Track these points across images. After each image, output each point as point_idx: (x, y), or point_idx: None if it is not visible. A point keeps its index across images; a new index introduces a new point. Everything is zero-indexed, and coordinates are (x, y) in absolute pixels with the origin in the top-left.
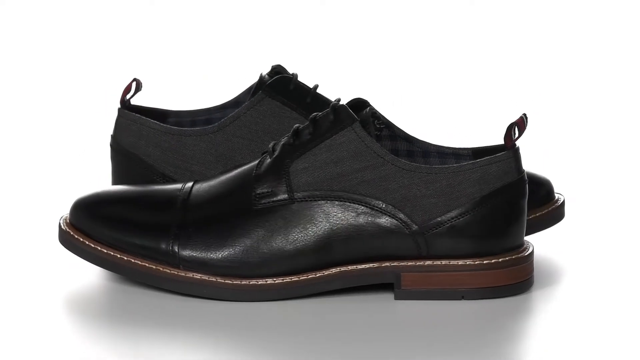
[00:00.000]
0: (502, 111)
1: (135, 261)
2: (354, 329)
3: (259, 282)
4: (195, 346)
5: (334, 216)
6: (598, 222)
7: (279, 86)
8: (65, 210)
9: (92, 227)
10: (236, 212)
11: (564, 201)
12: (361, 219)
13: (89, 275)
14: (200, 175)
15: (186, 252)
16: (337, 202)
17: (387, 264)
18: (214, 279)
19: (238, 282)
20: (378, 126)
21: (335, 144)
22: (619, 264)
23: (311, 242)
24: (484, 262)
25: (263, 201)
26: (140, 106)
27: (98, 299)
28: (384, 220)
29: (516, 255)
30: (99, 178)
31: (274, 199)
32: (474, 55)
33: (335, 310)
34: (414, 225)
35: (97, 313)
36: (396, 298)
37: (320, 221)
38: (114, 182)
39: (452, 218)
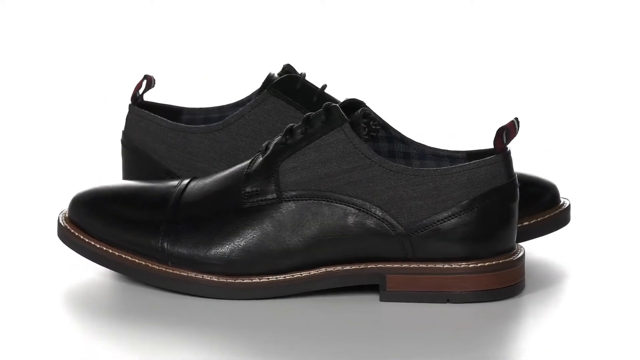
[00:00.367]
0: (506, 114)
1: (126, 257)
2: (338, 330)
3: (245, 281)
4: (185, 342)
5: (320, 216)
6: (604, 227)
7: (284, 85)
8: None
9: (88, 222)
10: (225, 211)
11: (569, 205)
12: (347, 220)
13: (89, 270)
14: (204, 173)
15: (175, 249)
16: (324, 202)
17: (373, 265)
18: (200, 277)
19: (224, 280)
20: (374, 127)
21: (325, 144)
22: (622, 269)
23: (297, 241)
24: (469, 265)
25: (251, 200)
26: (154, 103)
27: (97, 294)
28: (370, 222)
29: (503, 260)
30: (108, 173)
31: (262, 198)
32: (482, 57)
33: (321, 311)
34: (399, 227)
35: (96, 308)
36: (381, 300)
37: (307, 221)
38: (124, 178)
39: (438, 221)
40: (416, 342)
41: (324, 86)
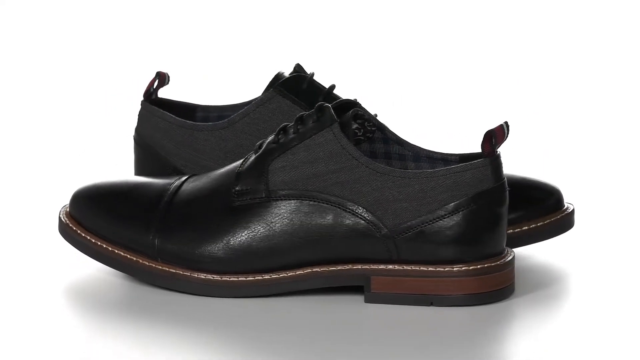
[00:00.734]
0: (511, 117)
1: (118, 252)
2: (322, 329)
3: (232, 279)
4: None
5: (306, 216)
6: (608, 232)
7: (290, 84)
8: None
9: (86, 217)
10: (216, 209)
11: (573, 210)
12: (333, 220)
13: (91, 265)
14: (208, 170)
15: (165, 246)
16: (311, 202)
17: (359, 266)
18: (188, 274)
19: (211, 277)
20: (370, 128)
21: (314, 144)
22: (625, 274)
23: (283, 241)
24: (454, 269)
25: (241, 199)
26: (168, 99)
27: (98, 287)
28: (356, 223)
29: (489, 264)
30: (118, 169)
31: (252, 196)
32: (491, 60)
33: (307, 310)
34: (384, 229)
35: (97, 303)
36: (366, 301)
37: (293, 220)
38: (136, 174)
39: (422, 223)
40: (399, 343)
41: (332, 86)
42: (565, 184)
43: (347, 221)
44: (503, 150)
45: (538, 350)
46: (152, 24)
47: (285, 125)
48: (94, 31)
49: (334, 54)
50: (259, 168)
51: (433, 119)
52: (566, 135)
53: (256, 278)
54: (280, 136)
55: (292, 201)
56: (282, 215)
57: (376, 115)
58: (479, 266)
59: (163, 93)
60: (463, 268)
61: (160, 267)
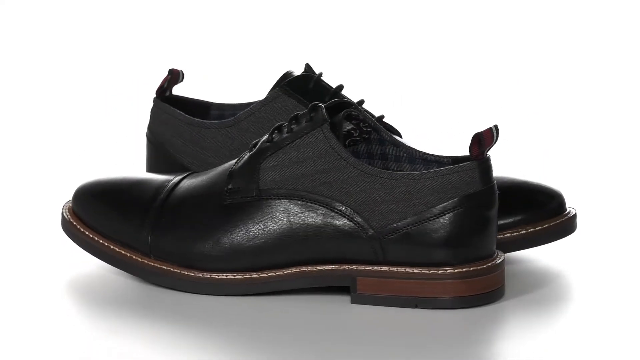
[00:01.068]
0: (515, 120)
1: (113, 247)
2: (307, 330)
3: (218, 277)
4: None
5: (294, 215)
6: (611, 237)
7: (296, 84)
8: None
9: (87, 212)
10: (207, 207)
11: (575, 214)
12: (320, 220)
13: (93, 260)
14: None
15: (158, 242)
16: (299, 202)
17: (345, 267)
18: (178, 271)
19: (200, 275)
20: (365, 129)
21: (304, 143)
22: (626, 280)
23: (271, 240)
24: (438, 271)
25: (232, 197)
26: (183, 97)
27: (99, 283)
28: (343, 223)
29: (474, 267)
30: (127, 166)
31: (243, 195)
32: (497, 64)
33: (291, 309)
34: (370, 230)
35: (98, 298)
36: (352, 302)
37: (281, 220)
38: (147, 171)
39: (408, 225)
40: (384, 345)
41: (339, 87)
42: (569, 189)
43: (335, 222)
44: (506, 153)
45: (524, 354)
46: (171, 22)
47: (280, 125)
48: (113, 29)
49: (351, 55)
50: (251, 167)
51: (435, 120)
52: (570, 140)
53: (245, 277)
54: (274, 135)
55: (282, 200)
56: (271, 214)
57: (383, 117)
58: (464, 269)
59: (180, 91)
60: (448, 271)
61: (152, 264)
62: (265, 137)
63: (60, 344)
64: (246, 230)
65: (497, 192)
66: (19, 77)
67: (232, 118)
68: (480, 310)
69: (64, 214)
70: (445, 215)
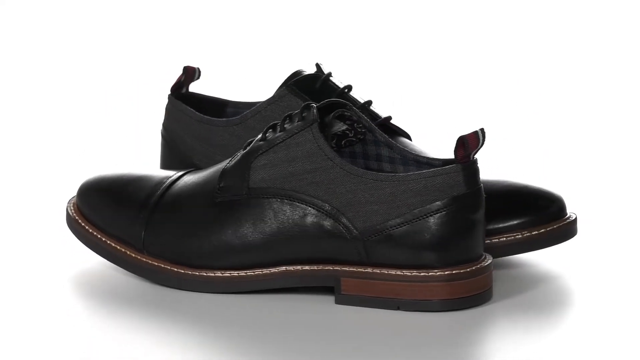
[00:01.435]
0: (518, 124)
1: (110, 242)
2: (291, 329)
3: (207, 274)
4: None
5: (281, 215)
6: (610, 242)
7: (303, 83)
8: None
9: (89, 207)
10: (199, 205)
11: (575, 219)
12: (306, 220)
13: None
14: None
15: (151, 239)
16: (286, 201)
17: (330, 267)
18: (168, 267)
19: (189, 272)
20: (360, 130)
21: (294, 143)
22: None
23: (257, 238)
24: (420, 273)
25: (223, 195)
26: (199, 94)
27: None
28: (328, 223)
29: (457, 270)
30: (145, 162)
31: (233, 193)
32: (502, 69)
33: (275, 309)
34: (354, 231)
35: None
36: (336, 302)
37: (268, 218)
38: (160, 167)
39: (391, 227)
40: (367, 345)
41: (347, 87)
42: (570, 194)
43: (320, 222)
44: (507, 157)
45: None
46: (195, 20)
47: (275, 123)
48: (136, 28)
49: (366, 56)
50: (243, 165)
51: (439, 121)
52: (571, 144)
53: (232, 275)
54: (267, 134)
55: (270, 199)
56: (259, 213)
57: (390, 118)
58: (447, 272)
59: (199, 88)
60: (430, 273)
61: (144, 260)
62: (259, 136)
63: (61, 339)
64: (235, 229)
65: (484, 195)
66: (37, 73)
67: (239, 116)
68: (472, 312)
69: (68, 209)
70: (428, 217)
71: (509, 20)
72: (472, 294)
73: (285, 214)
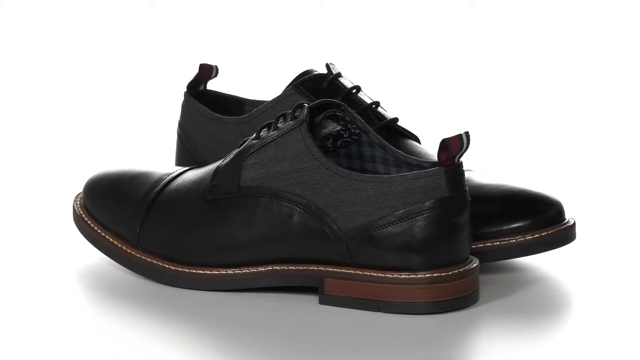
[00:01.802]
0: (520, 128)
1: (108, 237)
2: (274, 328)
3: (197, 272)
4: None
5: (269, 214)
6: (609, 247)
7: (310, 83)
8: None
9: (91, 203)
10: (191, 203)
11: (574, 223)
12: (292, 220)
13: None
14: None
15: (145, 235)
16: (274, 200)
17: (314, 267)
18: (159, 263)
19: (179, 268)
20: (354, 131)
21: (283, 142)
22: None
23: (246, 237)
24: (401, 276)
25: (214, 193)
26: (217, 92)
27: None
28: (313, 223)
29: (438, 274)
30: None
31: (224, 191)
32: (505, 74)
33: (259, 307)
34: (338, 232)
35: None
36: (320, 302)
37: (256, 217)
38: (175, 164)
39: (373, 228)
40: (348, 347)
41: (355, 88)
42: (570, 198)
43: (305, 221)
44: (506, 161)
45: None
46: (219, 18)
47: (270, 123)
48: (167, 23)
49: (383, 58)
50: (235, 164)
51: (445, 123)
52: (570, 149)
53: (220, 272)
54: (261, 133)
55: (259, 198)
56: (247, 211)
57: (396, 119)
58: (427, 275)
59: (221, 86)
60: (410, 276)
61: (138, 256)
62: (253, 135)
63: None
64: (224, 227)
65: (469, 198)
66: (57, 70)
67: (247, 114)
68: (461, 314)
69: (75, 205)
70: (409, 219)
71: (512, 24)
72: (455, 296)
73: (273, 213)
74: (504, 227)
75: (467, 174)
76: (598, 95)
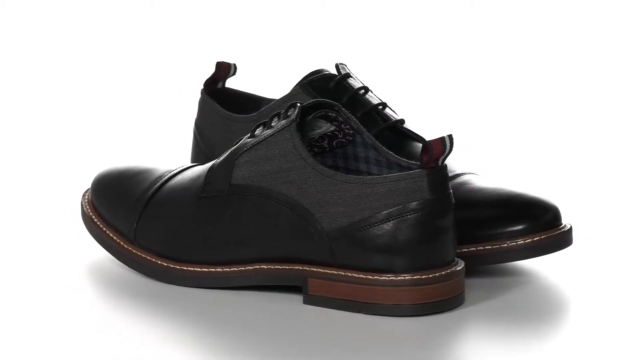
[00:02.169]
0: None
1: (108, 232)
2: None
3: (188, 269)
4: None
5: (257, 212)
6: (605, 252)
7: (316, 83)
8: None
9: (97, 199)
10: (184, 200)
11: (570, 228)
12: (279, 219)
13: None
14: None
15: (140, 231)
16: (262, 199)
17: (299, 267)
18: (152, 260)
19: (171, 266)
20: (348, 132)
21: (273, 141)
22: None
23: (232, 235)
24: (381, 277)
25: (207, 191)
26: (234, 90)
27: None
28: (298, 223)
29: (418, 276)
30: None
31: (216, 189)
32: (508, 78)
33: (245, 306)
34: (322, 232)
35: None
36: (304, 302)
37: (244, 215)
38: (191, 161)
39: (355, 229)
40: (330, 347)
41: (362, 88)
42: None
43: (291, 220)
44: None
45: None
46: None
47: (264, 122)
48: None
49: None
50: (228, 162)
51: (446, 123)
52: (570, 155)
53: (210, 270)
54: (256, 131)
55: (248, 197)
56: (237, 209)
57: (402, 121)
58: (407, 277)
59: (241, 85)
60: (390, 278)
61: (133, 252)
62: (249, 134)
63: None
64: (215, 225)
65: (453, 202)
66: (74, 67)
67: (256, 113)
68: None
69: (82, 201)
70: (389, 221)
71: (517, 28)
72: (439, 299)
73: (260, 211)
74: (500, 231)
75: (468, 177)
76: (596, 99)
